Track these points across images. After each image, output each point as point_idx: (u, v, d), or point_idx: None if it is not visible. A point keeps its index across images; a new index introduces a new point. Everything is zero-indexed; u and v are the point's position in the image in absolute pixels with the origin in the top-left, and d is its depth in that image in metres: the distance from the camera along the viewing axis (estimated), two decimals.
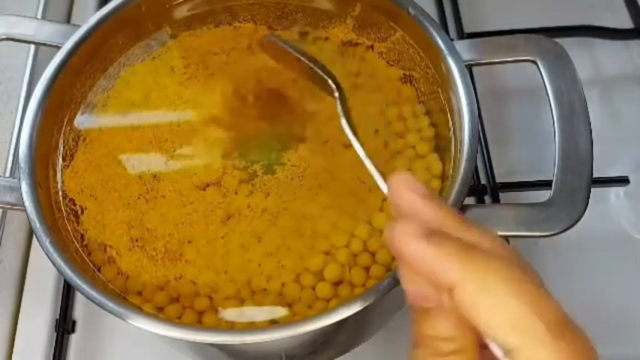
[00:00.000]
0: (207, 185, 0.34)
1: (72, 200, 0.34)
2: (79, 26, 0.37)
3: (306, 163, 0.34)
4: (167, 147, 0.35)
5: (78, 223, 0.33)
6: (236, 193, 0.33)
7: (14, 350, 0.40)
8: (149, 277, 0.32)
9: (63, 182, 0.34)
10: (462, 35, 0.48)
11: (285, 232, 0.32)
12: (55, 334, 0.40)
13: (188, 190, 0.34)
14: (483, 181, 0.44)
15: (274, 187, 0.33)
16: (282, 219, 0.33)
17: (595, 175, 0.31)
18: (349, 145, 0.30)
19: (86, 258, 0.32)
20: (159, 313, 0.31)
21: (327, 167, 0.34)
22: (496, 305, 0.18)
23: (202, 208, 0.33)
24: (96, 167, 0.35)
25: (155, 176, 0.34)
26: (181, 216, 0.33)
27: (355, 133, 0.30)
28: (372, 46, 0.38)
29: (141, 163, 0.35)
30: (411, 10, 0.36)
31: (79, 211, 0.33)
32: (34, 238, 0.43)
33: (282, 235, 0.32)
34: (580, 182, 0.31)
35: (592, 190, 0.30)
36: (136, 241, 0.32)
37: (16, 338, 0.41)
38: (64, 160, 0.35)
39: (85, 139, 0.36)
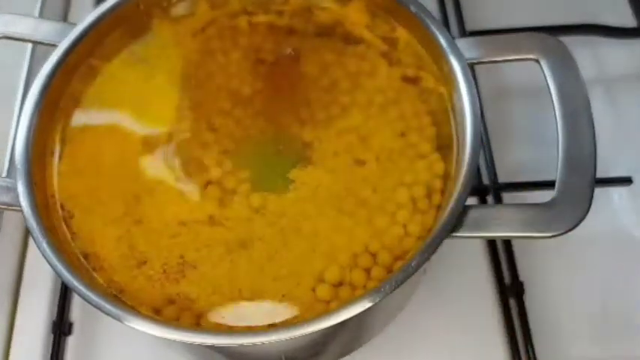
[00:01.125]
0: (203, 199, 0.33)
1: (63, 203, 0.33)
2: (75, 25, 0.36)
3: (313, 181, 0.33)
4: (160, 157, 0.34)
5: (69, 227, 0.33)
6: (233, 193, 0.33)
7: (11, 352, 0.40)
8: (146, 296, 0.31)
9: (58, 182, 0.34)
10: (464, 33, 0.48)
11: (286, 233, 0.32)
12: (52, 336, 0.40)
13: (181, 207, 0.33)
14: (486, 181, 0.44)
15: (273, 196, 0.33)
16: (282, 220, 0.32)
17: (598, 175, 0.31)
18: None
19: (82, 260, 0.32)
20: (156, 315, 0.30)
21: (334, 183, 0.33)
22: None
23: (197, 224, 0.32)
24: (82, 172, 0.34)
25: (145, 192, 0.33)
26: (176, 235, 0.32)
27: None
28: (372, 45, 0.37)
29: (131, 173, 0.34)
30: (412, 7, 0.36)
31: (68, 216, 0.33)
32: (31, 238, 0.42)
33: (283, 237, 0.32)
34: (583, 182, 0.30)
35: (595, 190, 0.30)
36: (128, 259, 0.32)
37: (13, 340, 0.40)
38: (59, 160, 0.35)
39: (74, 141, 0.35)
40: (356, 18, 0.38)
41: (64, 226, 0.33)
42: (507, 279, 0.41)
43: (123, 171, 0.34)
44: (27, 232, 0.44)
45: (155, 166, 0.34)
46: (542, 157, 0.43)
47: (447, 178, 0.33)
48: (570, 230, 0.29)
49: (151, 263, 0.32)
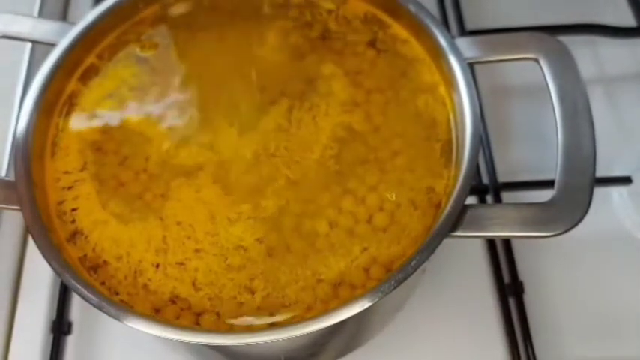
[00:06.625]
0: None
1: (63, 203, 0.33)
2: (75, 24, 0.36)
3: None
4: (160, 155, 0.34)
5: (68, 226, 0.33)
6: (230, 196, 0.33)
7: (10, 352, 0.40)
8: (146, 296, 0.31)
9: (57, 182, 0.34)
10: (464, 32, 0.48)
11: (285, 233, 0.32)
12: (51, 336, 0.40)
13: (182, 206, 0.33)
14: (485, 180, 0.44)
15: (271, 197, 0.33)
16: (282, 219, 0.32)
17: (598, 174, 0.31)
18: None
19: (82, 259, 0.32)
20: (156, 315, 0.30)
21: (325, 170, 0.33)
22: None
23: (196, 224, 0.32)
24: (82, 172, 0.34)
25: (145, 190, 0.33)
26: (175, 235, 0.32)
27: None
28: (371, 43, 0.37)
29: (131, 172, 0.34)
30: (411, 6, 0.36)
31: (67, 216, 0.33)
32: (30, 238, 0.42)
33: (282, 236, 0.32)
34: (583, 182, 0.30)
35: (595, 189, 0.30)
36: (127, 259, 0.32)
37: (12, 340, 0.40)
38: (59, 159, 0.34)
39: (73, 141, 0.35)
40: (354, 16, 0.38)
41: (64, 226, 0.33)
42: (507, 278, 0.41)
43: (122, 170, 0.34)
44: (26, 232, 0.44)
45: (155, 164, 0.34)
46: (541, 156, 0.43)
47: (446, 177, 0.33)
48: (570, 230, 0.29)
49: (151, 263, 0.32)
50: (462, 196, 0.30)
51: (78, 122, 0.36)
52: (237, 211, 0.32)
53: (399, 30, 0.37)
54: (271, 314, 0.30)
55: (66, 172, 0.34)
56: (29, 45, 0.47)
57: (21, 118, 0.34)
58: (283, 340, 0.27)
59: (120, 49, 0.38)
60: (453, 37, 0.34)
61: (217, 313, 0.30)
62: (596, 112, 0.32)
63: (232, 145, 0.34)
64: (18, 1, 0.49)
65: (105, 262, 0.32)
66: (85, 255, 0.32)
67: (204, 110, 0.36)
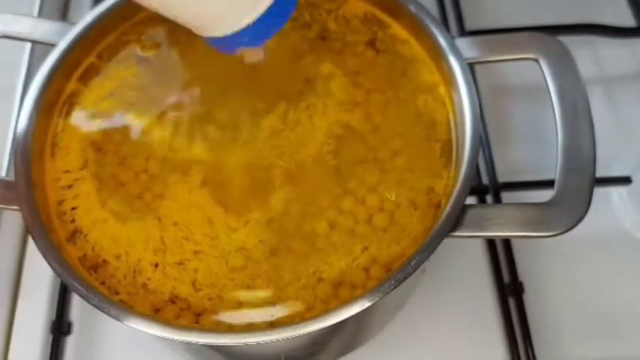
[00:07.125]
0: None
1: (62, 202, 0.33)
2: (75, 24, 0.36)
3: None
4: (159, 155, 0.34)
5: (68, 226, 0.33)
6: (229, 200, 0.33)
7: (10, 352, 0.40)
8: (146, 295, 0.31)
9: (57, 181, 0.34)
10: (464, 32, 0.48)
11: (287, 234, 0.32)
12: (51, 336, 0.40)
13: (182, 206, 0.33)
14: (485, 180, 0.44)
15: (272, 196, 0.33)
16: (284, 220, 0.32)
17: (598, 174, 0.31)
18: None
19: (81, 259, 0.32)
20: (156, 315, 0.30)
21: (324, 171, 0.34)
22: None
23: (194, 226, 0.32)
24: (82, 172, 0.34)
25: (145, 190, 0.33)
26: (175, 235, 0.32)
27: None
28: (370, 43, 0.37)
29: (131, 172, 0.34)
30: (411, 7, 0.36)
31: (67, 216, 0.33)
32: (30, 238, 0.42)
33: (283, 237, 0.32)
34: (583, 182, 0.30)
35: (594, 189, 0.30)
36: (127, 259, 0.32)
37: (12, 340, 0.40)
38: (58, 160, 0.34)
39: (73, 141, 0.35)
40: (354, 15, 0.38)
41: (63, 226, 0.33)
42: (507, 278, 0.41)
43: (122, 170, 0.34)
44: (26, 232, 0.44)
45: (154, 164, 0.34)
46: (541, 156, 0.43)
47: (446, 177, 0.33)
48: (570, 230, 0.29)
49: (149, 262, 0.32)
50: (461, 196, 0.30)
51: (78, 122, 0.36)
52: (240, 215, 0.32)
53: (398, 30, 0.37)
54: (271, 314, 0.30)
55: (66, 171, 0.34)
56: (29, 45, 0.47)
57: (21, 118, 0.34)
58: (283, 339, 0.27)
59: (120, 49, 0.38)
60: (452, 37, 0.34)
61: (217, 313, 0.30)
62: (596, 112, 0.32)
63: (232, 145, 0.34)
64: (18, 1, 0.49)
65: (104, 261, 0.32)
66: (85, 255, 0.32)
67: (205, 110, 0.36)
